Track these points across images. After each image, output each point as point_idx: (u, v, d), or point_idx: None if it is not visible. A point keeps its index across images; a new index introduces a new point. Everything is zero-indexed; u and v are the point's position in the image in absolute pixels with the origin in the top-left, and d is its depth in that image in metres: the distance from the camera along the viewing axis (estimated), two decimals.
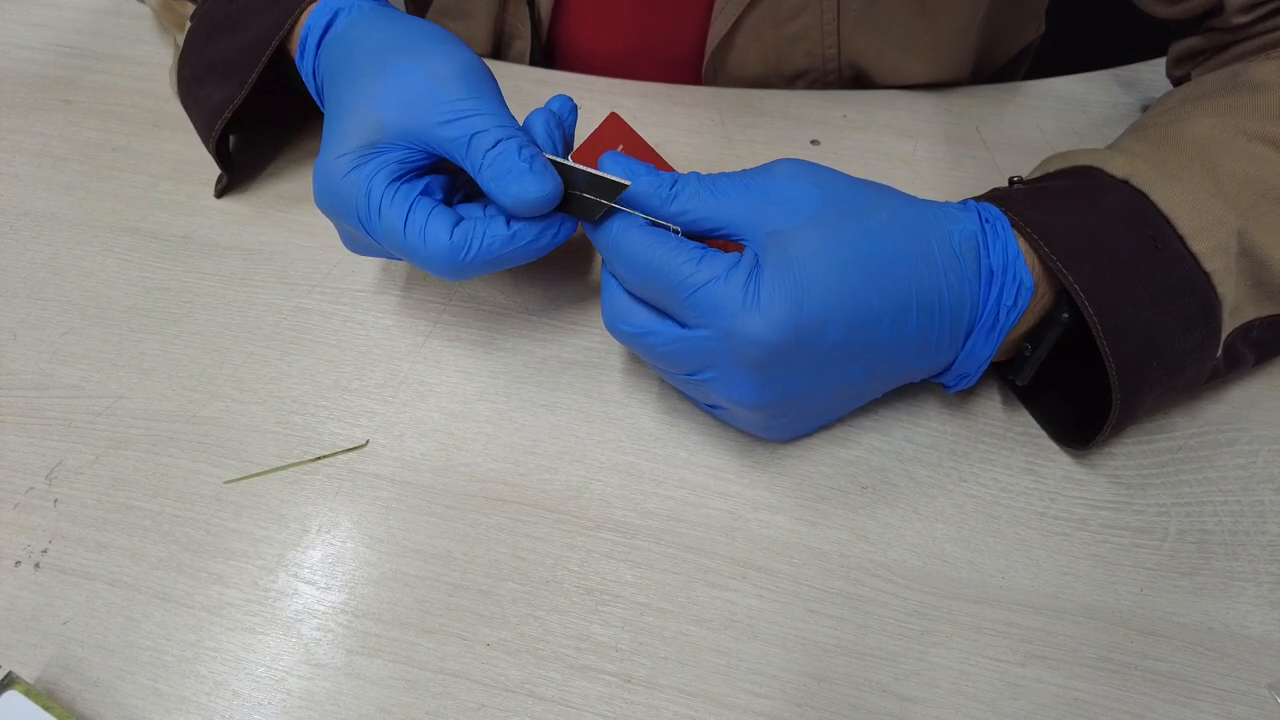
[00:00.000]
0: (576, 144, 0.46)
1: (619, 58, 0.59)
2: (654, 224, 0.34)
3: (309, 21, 0.42)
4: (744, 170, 0.35)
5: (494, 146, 0.34)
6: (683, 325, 0.34)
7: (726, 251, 0.33)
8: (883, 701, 0.33)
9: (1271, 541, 0.37)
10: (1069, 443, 0.39)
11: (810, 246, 0.32)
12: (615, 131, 0.45)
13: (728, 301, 0.32)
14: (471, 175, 0.35)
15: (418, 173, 0.37)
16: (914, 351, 0.34)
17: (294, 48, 0.43)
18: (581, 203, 0.35)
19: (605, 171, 0.35)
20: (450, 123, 0.35)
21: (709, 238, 0.35)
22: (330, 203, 0.37)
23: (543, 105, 0.40)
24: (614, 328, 0.36)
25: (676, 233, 0.34)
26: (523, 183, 0.34)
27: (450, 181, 0.39)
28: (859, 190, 0.35)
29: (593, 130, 0.45)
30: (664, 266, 0.33)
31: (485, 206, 0.37)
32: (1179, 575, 0.36)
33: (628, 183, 0.34)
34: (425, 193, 0.36)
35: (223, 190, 0.50)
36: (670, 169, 0.40)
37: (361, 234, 0.37)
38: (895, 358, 0.34)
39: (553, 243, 0.36)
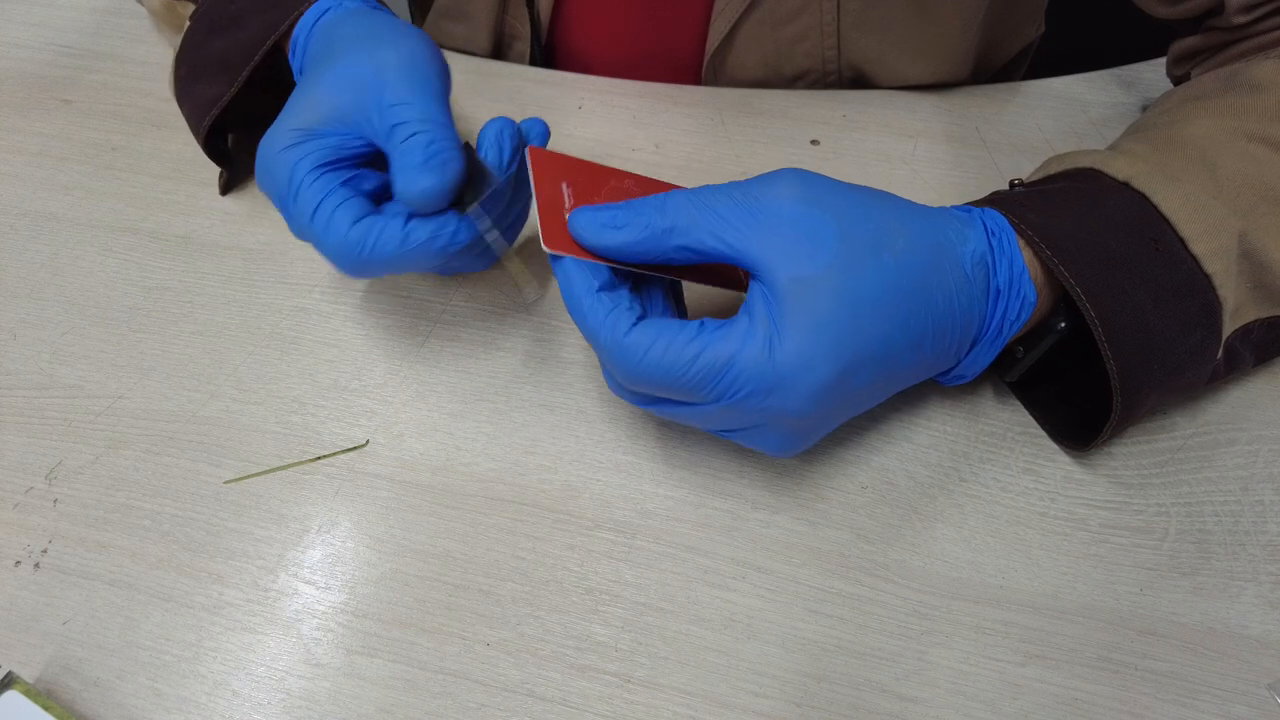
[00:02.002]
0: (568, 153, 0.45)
1: (618, 60, 0.59)
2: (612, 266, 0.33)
3: (302, 21, 0.42)
4: (737, 184, 0.33)
5: (409, 139, 0.34)
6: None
7: (720, 268, 0.32)
8: (883, 701, 0.33)
9: (1271, 541, 0.37)
10: (1069, 443, 0.39)
11: (837, 300, 0.31)
12: (547, 168, 0.35)
13: (759, 380, 0.31)
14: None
15: (353, 162, 0.36)
16: (924, 370, 0.35)
17: (289, 48, 0.43)
18: (488, 193, 0.35)
19: (579, 226, 0.33)
20: (382, 111, 0.35)
21: (705, 261, 0.33)
22: (263, 181, 0.37)
23: (541, 106, 0.39)
24: (621, 394, 0.35)
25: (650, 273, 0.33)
26: (409, 175, 0.33)
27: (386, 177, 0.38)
28: (869, 212, 0.33)
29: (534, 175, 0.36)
30: (677, 374, 0.31)
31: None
32: (1179, 575, 0.36)
33: (498, 178, 0.35)
34: (349, 183, 0.36)
35: (226, 186, 0.50)
36: (618, 171, 0.37)
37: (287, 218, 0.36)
38: (908, 379, 0.35)
39: (449, 245, 0.35)
